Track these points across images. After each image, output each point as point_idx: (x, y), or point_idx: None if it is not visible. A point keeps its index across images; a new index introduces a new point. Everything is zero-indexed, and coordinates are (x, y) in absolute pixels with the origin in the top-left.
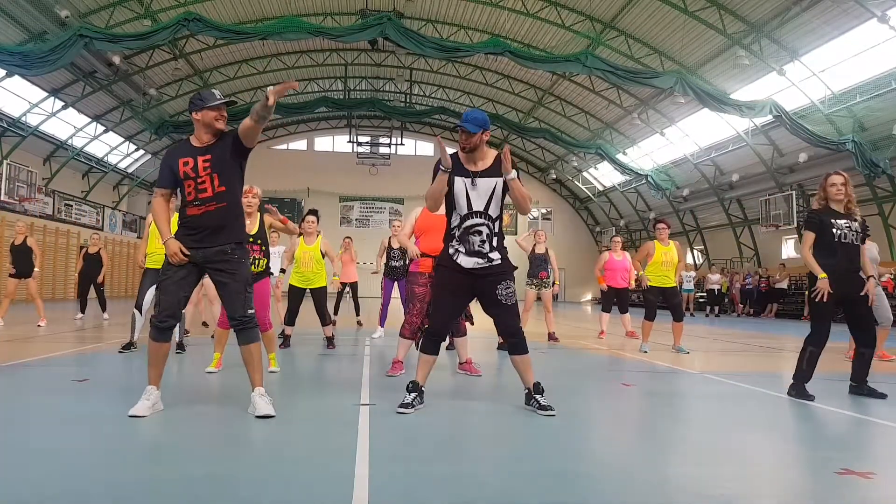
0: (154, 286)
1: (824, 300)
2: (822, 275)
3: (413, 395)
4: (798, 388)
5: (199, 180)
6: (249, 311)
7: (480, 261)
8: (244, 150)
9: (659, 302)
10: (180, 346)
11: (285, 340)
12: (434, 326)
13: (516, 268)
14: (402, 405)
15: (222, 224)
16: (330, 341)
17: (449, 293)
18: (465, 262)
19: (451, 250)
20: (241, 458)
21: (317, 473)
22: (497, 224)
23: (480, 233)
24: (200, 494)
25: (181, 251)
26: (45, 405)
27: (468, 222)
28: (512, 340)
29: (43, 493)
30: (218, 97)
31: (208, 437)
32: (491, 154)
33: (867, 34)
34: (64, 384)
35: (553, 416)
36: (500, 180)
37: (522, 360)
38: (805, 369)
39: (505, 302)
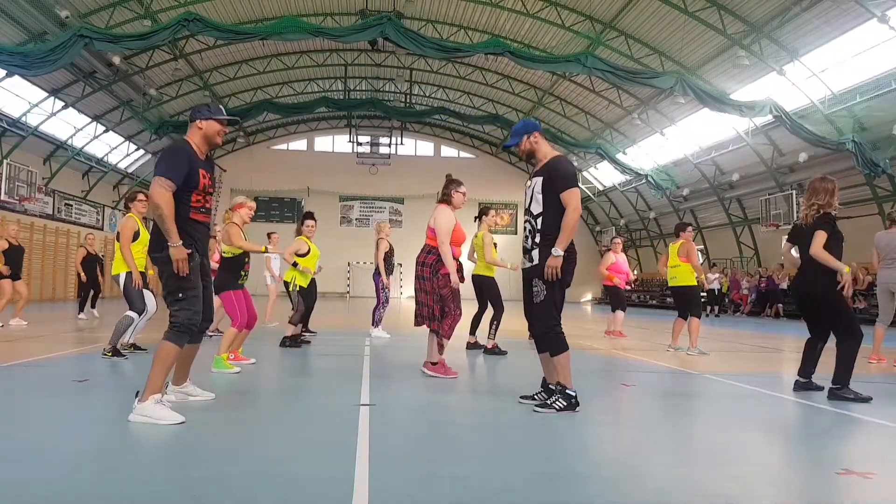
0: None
1: (852, 290)
2: (847, 268)
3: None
4: (851, 390)
5: (207, 194)
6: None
7: (525, 260)
8: None
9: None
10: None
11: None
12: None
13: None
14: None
15: (209, 238)
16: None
17: (525, 289)
18: (521, 261)
19: None
20: (240, 459)
21: (317, 473)
22: (540, 220)
23: (525, 229)
24: (200, 495)
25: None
26: (45, 405)
27: (524, 219)
28: (536, 338)
29: (42, 493)
30: (224, 113)
31: (208, 438)
32: (549, 154)
33: (867, 34)
34: (64, 384)
35: (538, 412)
36: (539, 179)
37: (543, 357)
38: (852, 368)
39: (534, 299)
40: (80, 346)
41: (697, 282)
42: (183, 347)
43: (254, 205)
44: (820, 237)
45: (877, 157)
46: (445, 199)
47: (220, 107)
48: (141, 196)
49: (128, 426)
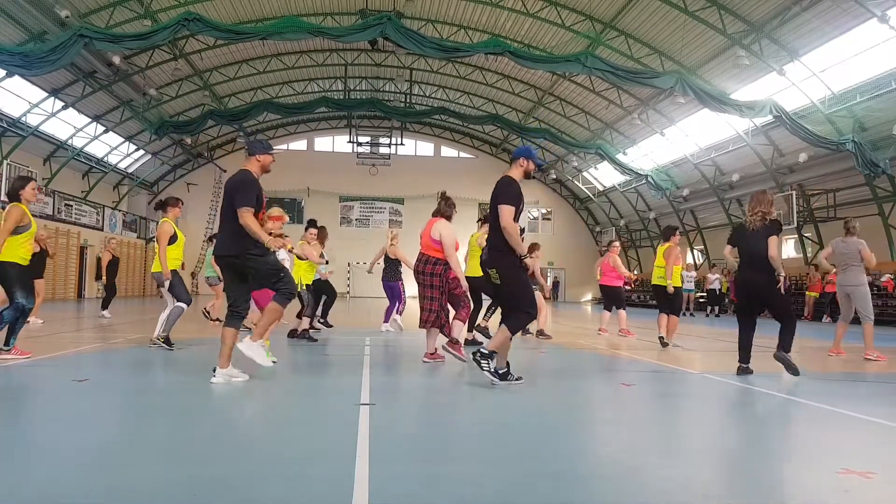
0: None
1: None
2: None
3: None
4: (790, 358)
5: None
6: None
7: None
8: None
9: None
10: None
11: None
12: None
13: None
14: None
15: None
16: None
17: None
18: None
19: None
20: (241, 458)
21: (317, 473)
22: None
23: None
24: (201, 494)
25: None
26: (45, 405)
27: None
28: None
29: (44, 493)
30: (272, 147)
31: (209, 437)
32: None
33: (867, 34)
34: (64, 384)
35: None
36: None
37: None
38: (793, 338)
39: None
40: (79, 345)
41: (669, 282)
42: (285, 308)
43: (286, 218)
44: (775, 242)
45: (877, 158)
46: (446, 215)
47: (269, 142)
48: (176, 202)
49: (128, 426)
